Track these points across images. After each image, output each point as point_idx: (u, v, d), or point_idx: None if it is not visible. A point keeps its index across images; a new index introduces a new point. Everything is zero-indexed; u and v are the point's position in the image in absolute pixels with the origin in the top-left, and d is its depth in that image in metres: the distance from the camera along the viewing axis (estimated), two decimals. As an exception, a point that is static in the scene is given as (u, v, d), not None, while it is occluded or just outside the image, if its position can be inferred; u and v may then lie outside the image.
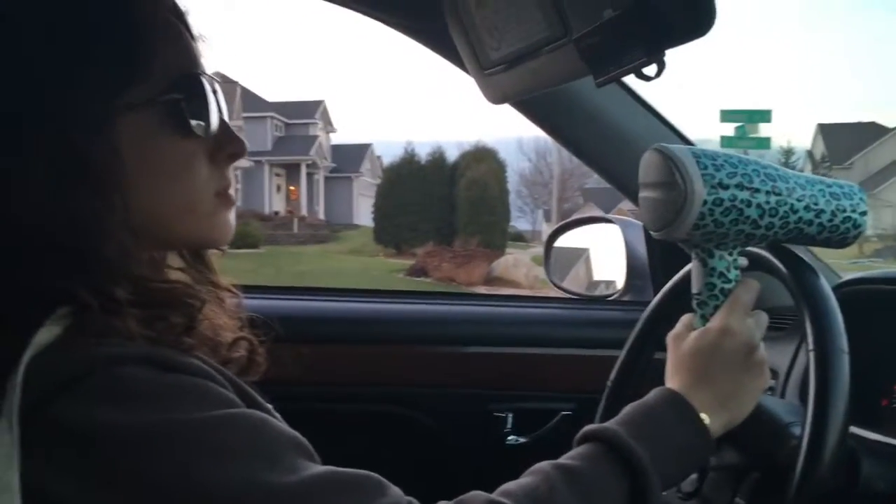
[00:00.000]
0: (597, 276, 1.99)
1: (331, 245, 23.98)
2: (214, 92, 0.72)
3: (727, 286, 0.87)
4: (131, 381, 0.57)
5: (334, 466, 0.62)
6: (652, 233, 0.87)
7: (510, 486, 0.71)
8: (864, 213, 0.88)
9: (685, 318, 0.90)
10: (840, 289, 1.12)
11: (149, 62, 0.66)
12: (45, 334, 0.57)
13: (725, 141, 11.84)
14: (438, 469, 1.53)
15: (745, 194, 0.82)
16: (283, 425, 0.64)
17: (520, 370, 1.53)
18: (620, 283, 1.70)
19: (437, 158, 22.58)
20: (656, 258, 1.58)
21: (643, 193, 0.87)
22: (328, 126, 34.67)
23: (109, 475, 0.55)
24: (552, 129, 1.43)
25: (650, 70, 0.71)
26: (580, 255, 2.07)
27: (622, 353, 1.05)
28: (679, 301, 0.99)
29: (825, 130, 38.30)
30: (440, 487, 1.63)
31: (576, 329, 1.59)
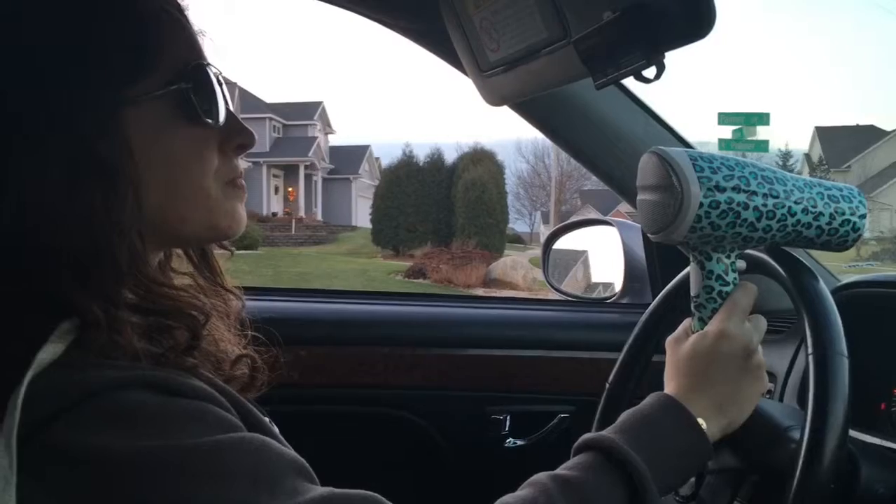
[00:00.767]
0: (595, 279, 1.99)
1: (329, 246, 23.99)
2: (220, 83, 0.72)
3: (725, 289, 0.86)
4: (132, 406, 0.56)
5: (333, 488, 0.62)
6: (650, 235, 0.87)
7: (507, 499, 0.70)
8: (863, 216, 0.88)
9: (684, 322, 0.90)
10: (839, 292, 1.12)
11: (155, 55, 0.66)
12: (49, 352, 0.57)
13: (723, 144, 11.88)
14: (436, 471, 1.53)
15: (741, 197, 0.82)
16: (283, 447, 0.63)
17: (518, 372, 1.52)
18: (618, 285, 1.70)
19: (436, 160, 22.59)
20: (654, 261, 1.58)
21: (641, 196, 0.87)
22: (327, 127, 34.70)
23: (106, 501, 0.54)
24: (551, 132, 1.43)
25: (649, 72, 0.71)
26: (578, 257, 2.07)
27: (621, 356, 1.05)
28: (677, 304, 0.99)
29: (823, 133, 38.38)
30: (438, 490, 1.63)
31: (574, 331, 1.59)
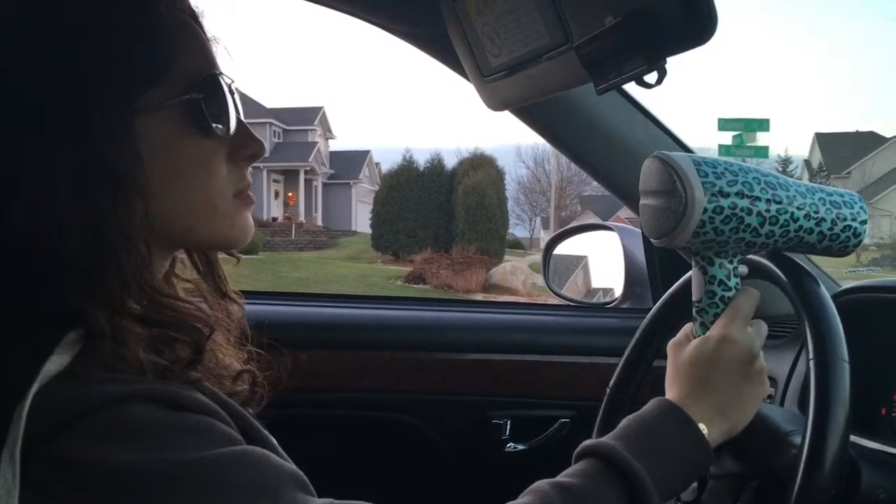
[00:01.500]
0: (595, 284, 1.99)
1: (329, 251, 23.96)
2: (231, 93, 0.72)
3: (727, 294, 0.87)
4: (135, 420, 0.56)
5: (332, 499, 0.62)
6: (652, 240, 0.87)
7: None
8: (864, 222, 0.88)
9: (685, 327, 0.90)
10: (839, 297, 1.12)
11: (167, 64, 0.66)
12: (54, 363, 0.57)
13: (723, 149, 11.88)
14: (436, 476, 1.53)
15: (745, 202, 0.82)
16: (283, 460, 0.63)
17: (518, 377, 1.52)
18: (619, 290, 1.70)
19: (436, 165, 22.58)
20: (655, 265, 1.58)
21: (644, 201, 0.87)
22: (327, 132, 34.71)
23: None
24: (552, 137, 1.43)
25: (651, 77, 0.72)
26: (579, 262, 2.07)
27: (622, 361, 1.05)
28: (679, 309, 0.99)
29: (823, 140, 38.42)
30: (438, 494, 1.63)
31: (574, 336, 1.59)
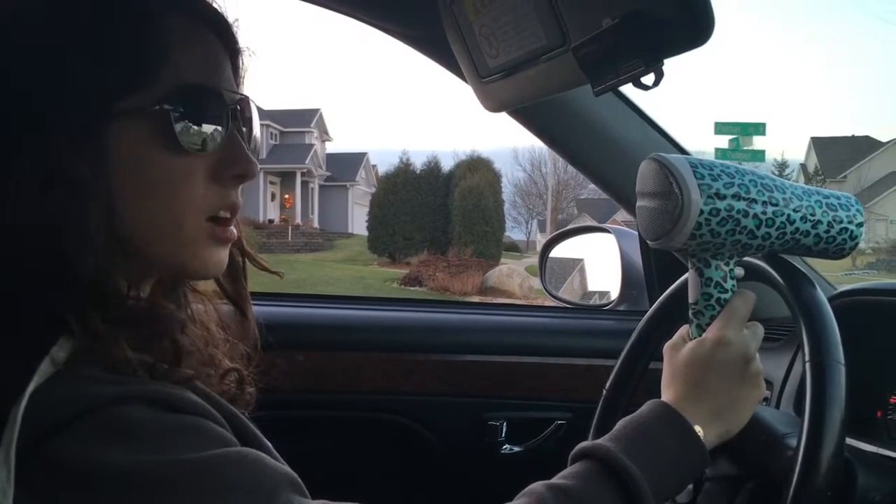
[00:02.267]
0: (592, 286, 1.99)
1: (325, 253, 23.95)
2: (233, 107, 0.69)
3: (723, 296, 0.87)
4: (130, 421, 0.56)
5: (327, 500, 0.62)
6: (649, 242, 0.87)
7: None
8: (860, 225, 0.88)
9: (682, 329, 0.90)
10: (836, 300, 1.12)
11: (154, 70, 0.64)
12: (49, 364, 0.56)
13: (720, 153, 11.93)
14: (432, 477, 1.53)
15: (741, 205, 0.82)
16: (276, 462, 0.63)
17: (514, 379, 1.52)
18: (615, 292, 1.70)
19: (433, 168, 22.61)
20: (651, 268, 1.58)
21: (640, 202, 0.87)
22: (324, 134, 34.71)
23: None
24: (549, 138, 1.43)
25: (648, 79, 0.71)
26: (575, 264, 2.07)
27: (618, 363, 1.05)
28: (675, 311, 0.99)
29: (819, 144, 38.50)
30: (434, 495, 1.62)
31: (571, 338, 1.59)
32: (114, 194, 0.63)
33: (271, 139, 31.44)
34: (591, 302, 1.92)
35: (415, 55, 1.33)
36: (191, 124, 0.65)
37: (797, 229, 0.85)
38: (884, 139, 36.98)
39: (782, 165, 37.59)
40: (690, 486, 0.89)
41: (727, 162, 0.85)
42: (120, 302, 0.63)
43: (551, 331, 1.62)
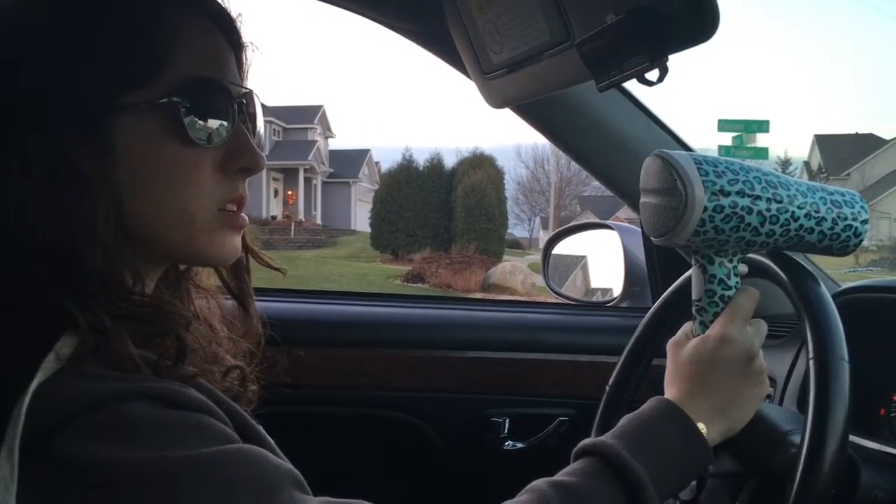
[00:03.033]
0: (595, 283, 1.99)
1: (328, 250, 23.96)
2: (238, 101, 0.70)
3: (727, 293, 0.86)
4: (133, 418, 0.56)
5: (329, 497, 0.63)
6: (652, 239, 0.87)
7: None
8: (864, 222, 0.88)
9: (685, 326, 0.90)
10: (840, 297, 1.12)
11: (160, 64, 0.64)
12: (53, 360, 0.56)
13: (723, 150, 11.90)
14: (435, 473, 1.53)
15: (746, 201, 0.82)
16: (279, 459, 0.63)
17: (517, 375, 1.52)
18: (618, 289, 1.70)
19: (436, 165, 22.60)
20: (655, 264, 1.58)
21: (644, 199, 0.87)
22: (327, 131, 34.72)
23: None
24: (552, 135, 1.43)
25: (652, 75, 0.71)
26: (578, 261, 2.07)
27: (621, 359, 1.05)
28: (678, 307, 0.99)
29: (822, 141, 38.46)
30: (436, 492, 1.63)
31: (573, 335, 1.59)
32: (121, 188, 0.63)
33: (274, 136, 31.47)
34: (594, 299, 1.91)
35: (418, 51, 1.33)
36: (197, 118, 0.66)
37: (801, 226, 0.85)
38: (888, 137, 36.96)
39: (786, 163, 37.59)
40: (694, 483, 0.89)
41: (731, 159, 0.85)
42: (126, 297, 0.63)
43: (554, 327, 1.62)
